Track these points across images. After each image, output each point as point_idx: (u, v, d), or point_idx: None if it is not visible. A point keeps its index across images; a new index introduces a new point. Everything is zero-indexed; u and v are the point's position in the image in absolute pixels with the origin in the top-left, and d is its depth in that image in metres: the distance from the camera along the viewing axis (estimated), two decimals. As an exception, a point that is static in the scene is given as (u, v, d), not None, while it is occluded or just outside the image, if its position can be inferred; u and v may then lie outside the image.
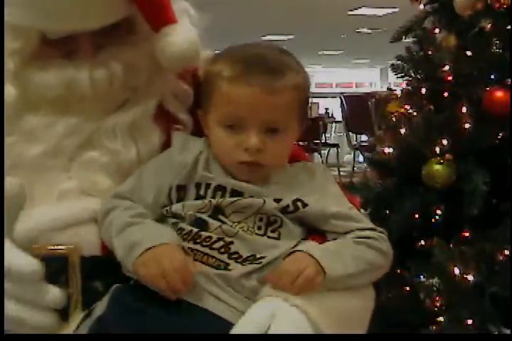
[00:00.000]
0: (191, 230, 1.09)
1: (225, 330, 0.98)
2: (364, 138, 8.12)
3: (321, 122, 8.31)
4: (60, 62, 1.17)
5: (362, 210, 1.65)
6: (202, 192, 1.14)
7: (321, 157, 8.63)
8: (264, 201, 1.12)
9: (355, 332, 1.09)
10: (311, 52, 15.50)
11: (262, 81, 1.09)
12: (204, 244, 1.08)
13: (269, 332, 0.98)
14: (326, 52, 16.99)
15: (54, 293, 1.06)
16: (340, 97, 7.99)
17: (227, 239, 1.09)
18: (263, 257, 1.09)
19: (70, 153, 1.18)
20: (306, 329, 1.00)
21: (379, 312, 1.19)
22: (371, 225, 1.18)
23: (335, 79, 23.56)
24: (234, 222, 1.11)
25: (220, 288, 1.05)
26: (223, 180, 1.14)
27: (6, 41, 1.13)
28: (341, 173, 8.05)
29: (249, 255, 1.08)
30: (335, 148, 8.91)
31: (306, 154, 1.40)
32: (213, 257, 1.07)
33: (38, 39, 1.16)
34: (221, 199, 1.12)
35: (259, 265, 1.08)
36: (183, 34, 1.16)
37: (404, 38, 2.09)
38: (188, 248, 1.08)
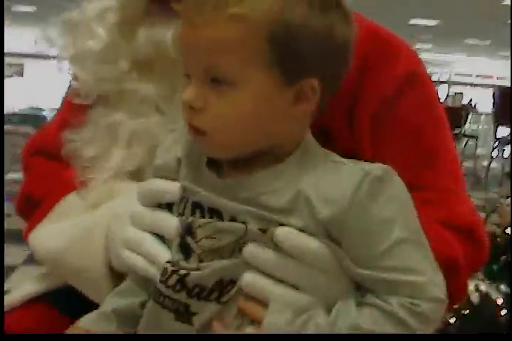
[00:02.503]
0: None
1: None
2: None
3: (463, 112, 8.11)
4: (158, 20, 1.03)
5: None
6: (181, 210, 0.86)
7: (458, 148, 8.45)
8: (246, 228, 0.79)
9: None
10: (456, 40, 15.05)
11: (191, 11, 0.77)
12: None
13: None
14: (471, 42, 16.44)
15: None
16: (494, 88, 7.80)
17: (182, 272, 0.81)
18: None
19: None
20: None
21: None
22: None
23: (476, 70, 22.79)
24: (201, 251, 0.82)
25: None
26: (197, 192, 0.83)
27: None
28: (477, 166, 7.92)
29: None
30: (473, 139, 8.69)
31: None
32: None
33: None
34: (192, 218, 0.83)
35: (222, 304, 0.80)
36: None
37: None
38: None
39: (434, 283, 0.78)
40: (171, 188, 0.87)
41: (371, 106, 1.02)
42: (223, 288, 0.79)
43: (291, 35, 0.75)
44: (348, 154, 0.87)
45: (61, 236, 1.05)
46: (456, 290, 0.90)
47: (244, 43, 0.76)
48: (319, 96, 0.81)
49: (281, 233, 0.77)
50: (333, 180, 0.77)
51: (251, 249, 0.78)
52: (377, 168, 0.78)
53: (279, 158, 0.82)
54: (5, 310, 1.10)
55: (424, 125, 1.04)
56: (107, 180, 1.06)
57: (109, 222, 0.99)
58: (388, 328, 0.75)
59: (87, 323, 0.89)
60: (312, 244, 0.77)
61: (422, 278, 0.76)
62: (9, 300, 1.12)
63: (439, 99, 1.12)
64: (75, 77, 1.11)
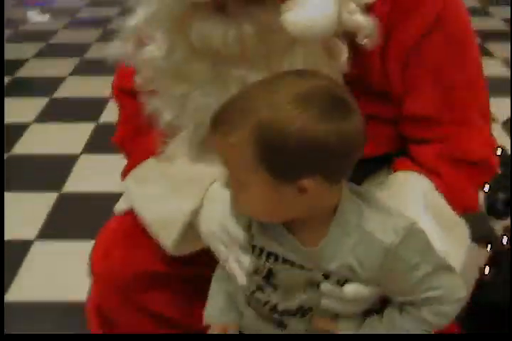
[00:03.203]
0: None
1: None
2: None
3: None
4: (207, 15, 1.05)
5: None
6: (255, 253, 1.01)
7: None
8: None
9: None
10: None
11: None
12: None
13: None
14: None
15: None
16: None
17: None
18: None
19: None
20: None
21: None
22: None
23: None
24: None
25: None
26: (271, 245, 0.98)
27: None
28: None
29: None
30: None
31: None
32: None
33: None
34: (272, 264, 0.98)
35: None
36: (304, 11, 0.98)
37: None
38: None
39: (458, 286, 0.95)
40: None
41: (401, 46, 1.07)
42: (304, 311, 0.98)
43: (277, 150, 0.82)
44: (381, 90, 1.07)
45: (155, 184, 1.20)
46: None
47: (239, 158, 0.85)
48: (327, 186, 0.86)
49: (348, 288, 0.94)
50: (366, 252, 0.90)
51: (327, 287, 0.95)
52: (400, 230, 0.89)
53: (323, 218, 0.91)
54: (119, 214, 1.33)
55: (448, 63, 1.10)
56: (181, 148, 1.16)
57: (205, 195, 1.12)
58: (419, 328, 0.94)
59: (215, 320, 1.08)
60: (364, 291, 0.94)
61: (448, 290, 0.92)
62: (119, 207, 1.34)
63: (470, 35, 1.15)
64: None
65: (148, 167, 1.24)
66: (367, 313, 0.98)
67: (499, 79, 3.40)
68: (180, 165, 1.17)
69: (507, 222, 1.60)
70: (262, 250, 0.97)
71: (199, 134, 1.11)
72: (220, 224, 1.07)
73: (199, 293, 1.24)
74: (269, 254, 0.96)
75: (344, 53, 1.02)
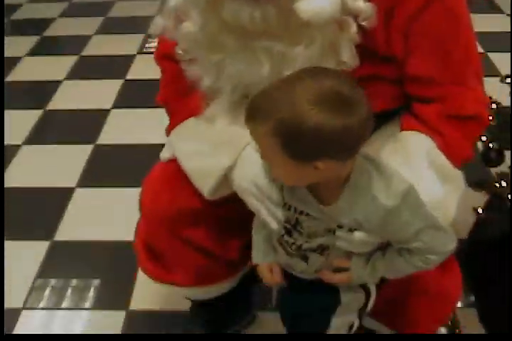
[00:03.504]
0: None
1: None
2: None
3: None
4: None
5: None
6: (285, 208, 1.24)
7: None
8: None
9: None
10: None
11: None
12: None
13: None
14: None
15: None
16: None
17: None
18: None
19: None
20: None
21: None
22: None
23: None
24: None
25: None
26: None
27: None
28: None
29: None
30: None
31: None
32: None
33: None
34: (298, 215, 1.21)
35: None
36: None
37: None
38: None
39: (445, 241, 1.16)
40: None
41: (403, 19, 1.22)
42: (323, 249, 1.21)
43: (296, 141, 1.01)
44: (386, 55, 1.24)
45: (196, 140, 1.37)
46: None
47: (267, 145, 1.06)
48: (337, 163, 1.05)
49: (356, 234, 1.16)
50: (371, 212, 1.11)
51: (340, 234, 1.17)
52: (399, 194, 1.10)
53: (338, 183, 1.12)
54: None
55: (445, 30, 1.25)
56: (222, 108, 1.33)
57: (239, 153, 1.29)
58: (410, 269, 1.19)
59: (260, 261, 1.33)
60: (368, 238, 1.16)
61: (435, 244, 1.15)
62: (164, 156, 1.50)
63: (464, 6, 1.30)
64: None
65: (191, 126, 1.40)
66: (373, 253, 1.21)
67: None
68: (218, 126, 1.34)
69: (500, 169, 1.80)
70: (290, 206, 1.20)
71: (235, 97, 1.29)
72: (251, 181, 1.25)
73: (232, 228, 1.47)
74: (295, 209, 1.19)
75: (353, 27, 1.18)
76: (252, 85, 1.22)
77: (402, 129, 1.35)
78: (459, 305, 1.88)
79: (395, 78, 1.32)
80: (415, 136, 1.31)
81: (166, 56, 1.43)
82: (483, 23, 2.73)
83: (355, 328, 1.33)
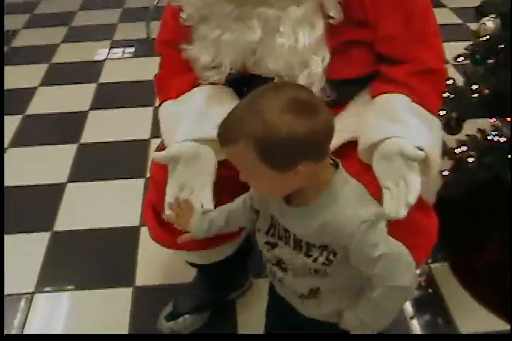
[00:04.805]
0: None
1: None
2: None
3: None
4: None
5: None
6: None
7: None
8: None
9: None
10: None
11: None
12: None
13: None
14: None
15: None
16: None
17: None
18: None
19: None
20: None
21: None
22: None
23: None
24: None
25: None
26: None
27: None
28: None
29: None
30: None
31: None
32: None
33: None
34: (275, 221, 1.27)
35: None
36: None
37: None
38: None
39: (407, 272, 1.20)
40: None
41: None
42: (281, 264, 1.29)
43: (273, 152, 1.05)
44: (360, 19, 1.41)
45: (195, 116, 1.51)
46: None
47: (246, 161, 1.10)
48: (314, 165, 1.10)
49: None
50: (342, 224, 1.16)
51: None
52: (370, 215, 1.15)
53: (317, 187, 1.17)
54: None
55: (413, 10, 1.45)
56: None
57: None
58: (385, 310, 1.26)
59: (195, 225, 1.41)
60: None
61: (389, 273, 1.18)
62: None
63: None
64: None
65: (180, 100, 1.57)
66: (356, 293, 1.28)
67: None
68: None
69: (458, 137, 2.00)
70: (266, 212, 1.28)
71: (233, 68, 1.46)
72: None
73: (233, 192, 1.51)
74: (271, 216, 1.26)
75: None
76: (247, 60, 1.43)
77: (374, 95, 1.49)
78: (432, 261, 2.10)
79: (370, 41, 1.47)
80: (391, 97, 1.46)
81: (164, 42, 1.64)
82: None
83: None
